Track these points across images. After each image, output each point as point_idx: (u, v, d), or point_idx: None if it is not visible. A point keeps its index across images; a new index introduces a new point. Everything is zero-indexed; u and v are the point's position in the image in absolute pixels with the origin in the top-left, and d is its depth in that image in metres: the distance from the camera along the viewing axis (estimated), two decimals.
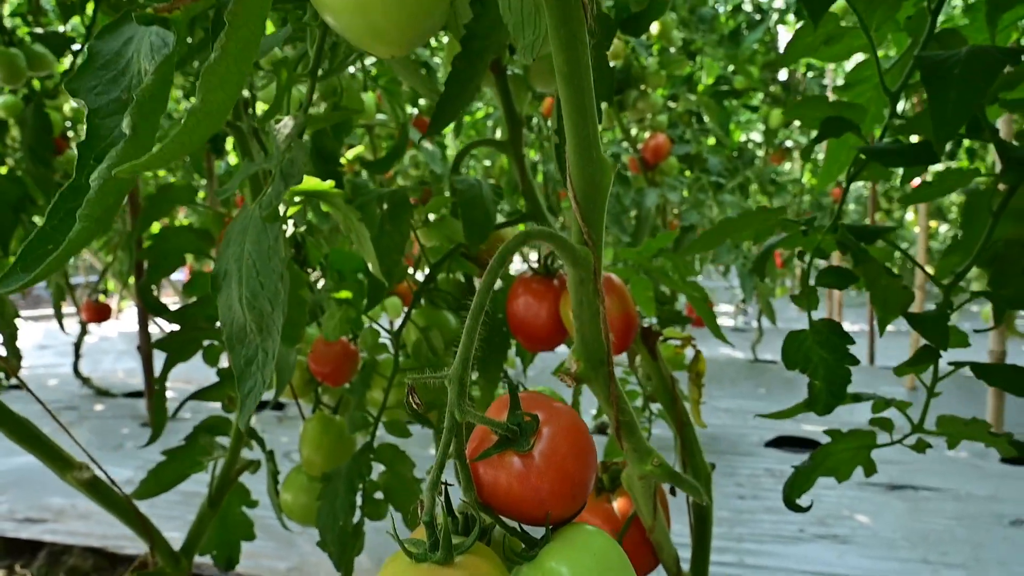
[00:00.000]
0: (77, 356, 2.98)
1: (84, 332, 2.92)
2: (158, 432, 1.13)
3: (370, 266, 0.68)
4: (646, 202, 1.84)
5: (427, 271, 0.88)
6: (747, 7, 3.31)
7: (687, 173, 2.22)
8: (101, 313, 2.73)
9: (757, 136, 4.33)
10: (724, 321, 6.23)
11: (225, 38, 0.30)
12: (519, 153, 0.83)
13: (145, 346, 2.72)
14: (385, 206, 0.74)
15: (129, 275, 3.33)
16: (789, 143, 3.99)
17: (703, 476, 0.77)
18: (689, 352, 0.99)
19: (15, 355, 1.18)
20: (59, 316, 1.46)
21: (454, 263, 0.91)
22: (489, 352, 0.91)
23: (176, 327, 1.06)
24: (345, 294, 0.83)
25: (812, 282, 0.68)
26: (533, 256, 0.79)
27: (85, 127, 0.37)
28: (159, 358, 2.80)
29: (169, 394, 3.27)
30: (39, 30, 1.20)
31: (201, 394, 1.09)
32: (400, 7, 0.30)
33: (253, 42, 0.31)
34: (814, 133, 0.69)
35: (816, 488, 0.78)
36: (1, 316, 1.12)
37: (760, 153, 3.84)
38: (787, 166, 4.17)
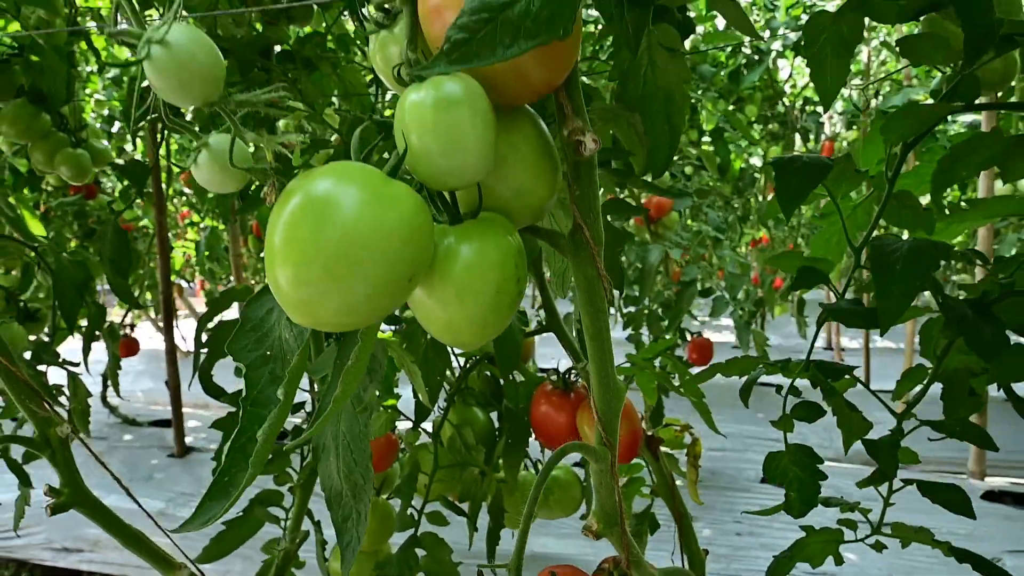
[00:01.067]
0: (105, 387, 3.12)
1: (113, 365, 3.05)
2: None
3: (420, 396, 0.82)
4: (650, 258, 1.98)
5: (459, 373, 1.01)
6: (746, 49, 3.45)
7: (689, 222, 2.36)
8: (130, 348, 2.87)
9: (757, 160, 4.47)
10: (725, 337, 6.36)
11: (357, 353, 0.44)
12: (539, 271, 0.97)
13: (173, 379, 2.87)
14: (429, 336, 0.88)
15: (159, 314, 3.47)
16: None
17: (697, 561, 0.91)
18: (687, 437, 1.13)
19: (84, 424, 1.32)
20: (86, 354, 1.57)
21: (483, 365, 1.04)
22: (513, 441, 1.05)
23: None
24: (391, 402, 0.96)
25: (788, 411, 0.81)
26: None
27: (244, 379, 0.51)
28: (187, 379, 2.93)
29: (190, 423, 3.42)
30: (120, 161, 1.34)
31: None
32: (481, 328, 0.44)
33: (372, 348, 0.45)
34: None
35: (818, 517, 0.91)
36: (75, 395, 1.25)
37: (760, 177, 3.98)
38: None
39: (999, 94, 1.10)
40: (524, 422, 1.06)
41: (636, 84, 0.77)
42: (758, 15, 3.78)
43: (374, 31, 0.45)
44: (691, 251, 2.09)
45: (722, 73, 3.34)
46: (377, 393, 1.04)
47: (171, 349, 2.84)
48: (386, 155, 0.55)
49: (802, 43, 0.79)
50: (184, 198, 4.17)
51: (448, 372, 1.02)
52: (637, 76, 0.76)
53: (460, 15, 0.34)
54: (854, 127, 4.02)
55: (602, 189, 0.73)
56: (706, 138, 3.21)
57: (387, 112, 1.29)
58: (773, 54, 3.54)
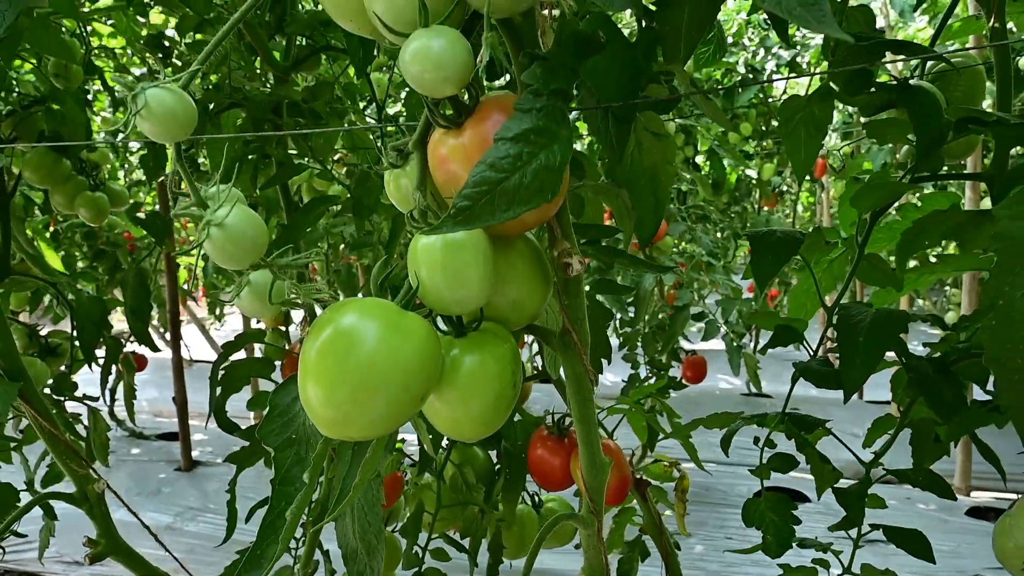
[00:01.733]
0: (113, 400, 3.18)
1: (119, 380, 3.11)
2: (230, 534, 1.31)
3: (425, 445, 0.88)
4: (644, 283, 2.04)
5: None
6: (741, 68, 3.52)
7: (683, 246, 2.42)
8: (139, 363, 2.93)
9: (752, 172, 4.54)
10: (719, 345, 6.42)
11: (363, 468, 0.50)
12: None
13: (180, 395, 2.94)
14: None
15: (165, 329, 3.54)
16: (783, 186, 4.20)
17: None
18: (676, 472, 1.20)
19: (104, 456, 1.39)
20: (104, 387, 1.64)
21: None
22: (511, 479, 1.11)
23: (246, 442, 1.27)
24: (399, 445, 1.03)
25: (764, 462, 0.88)
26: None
27: (273, 461, 0.57)
28: (193, 390, 2.97)
29: (196, 436, 3.48)
30: (140, 215, 1.41)
31: (267, 502, 1.29)
32: (483, 427, 0.50)
33: (377, 462, 0.52)
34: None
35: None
36: (95, 428, 1.32)
37: (755, 191, 4.05)
38: (779, 212, 4.37)
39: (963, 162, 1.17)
40: (522, 460, 1.12)
41: (624, 163, 0.83)
42: (753, 32, 3.85)
43: (389, 168, 0.51)
44: (684, 275, 2.16)
45: (720, 93, 3.41)
46: None
47: (178, 366, 2.90)
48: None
49: (779, 123, 0.85)
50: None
51: None
52: (625, 156, 0.83)
53: (465, 186, 0.41)
54: (847, 141, 4.09)
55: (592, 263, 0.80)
56: (700, 157, 3.29)
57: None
58: (768, 72, 3.61)
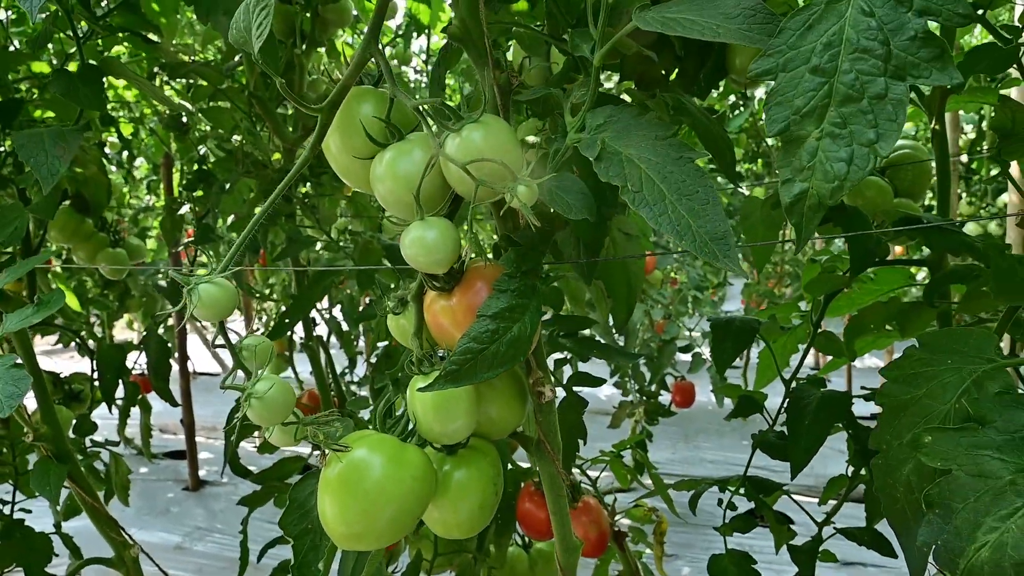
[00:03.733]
0: (123, 421, 3.28)
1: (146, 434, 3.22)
2: (242, 573, 1.41)
3: None
4: (632, 317, 2.14)
5: None
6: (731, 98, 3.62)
7: (672, 275, 2.53)
8: (147, 385, 3.03)
9: (744, 190, 4.64)
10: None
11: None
12: None
13: (187, 416, 3.04)
14: None
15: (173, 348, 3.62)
16: None
17: None
18: (654, 516, 1.30)
19: (125, 497, 1.49)
20: (122, 430, 1.75)
21: None
22: (502, 524, 1.22)
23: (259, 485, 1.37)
24: None
25: (726, 520, 0.98)
26: None
27: (292, 549, 0.67)
28: (197, 403, 3.06)
29: (203, 455, 3.57)
30: (161, 283, 1.51)
31: (279, 541, 1.39)
32: (468, 528, 0.61)
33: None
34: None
35: (780, 564, 1.07)
36: (116, 471, 1.42)
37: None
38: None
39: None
40: (512, 509, 1.23)
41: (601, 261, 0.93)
42: None
43: (389, 313, 0.62)
44: (672, 308, 2.26)
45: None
46: None
47: (186, 387, 3.00)
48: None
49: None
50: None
51: None
52: (601, 252, 0.93)
53: (453, 353, 0.51)
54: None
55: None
56: None
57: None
58: (757, 98, 3.71)
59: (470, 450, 0.61)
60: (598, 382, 0.87)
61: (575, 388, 0.84)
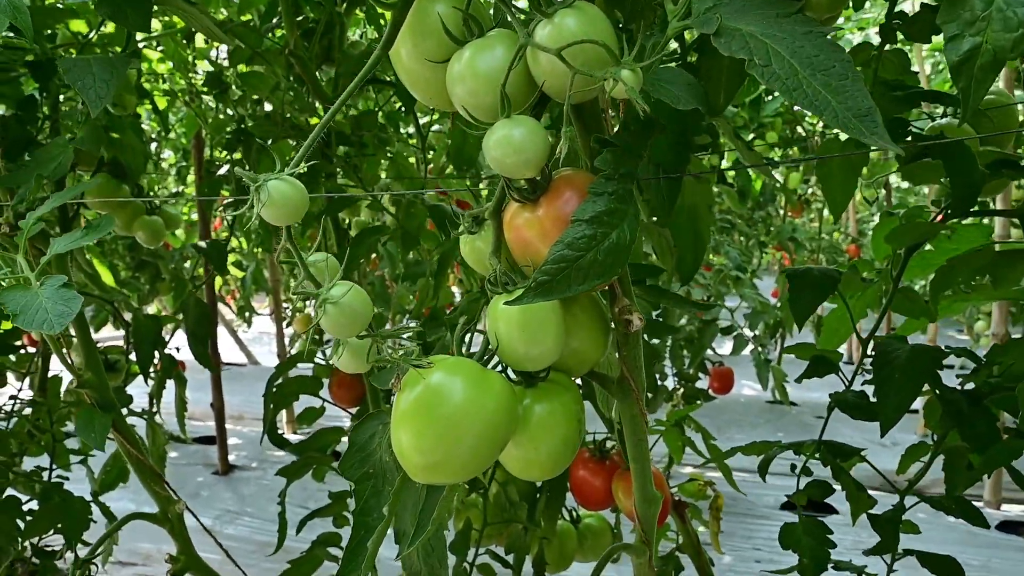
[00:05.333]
0: (151, 405, 3.28)
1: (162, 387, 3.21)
2: (280, 544, 1.37)
3: None
4: None
5: None
6: None
7: (711, 258, 2.45)
8: (177, 366, 3.02)
9: (778, 175, 4.54)
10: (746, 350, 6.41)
11: (434, 523, 0.55)
12: None
13: (217, 400, 3.02)
14: None
15: None
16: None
17: None
18: (709, 492, 1.24)
19: (162, 467, 1.46)
20: (157, 400, 1.73)
21: None
22: (552, 496, 1.16)
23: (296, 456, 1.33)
24: None
25: (802, 487, 0.92)
26: None
27: (354, 493, 0.62)
28: (228, 395, 3.05)
29: (232, 440, 3.55)
30: (202, 243, 1.48)
31: (318, 512, 1.35)
32: (551, 468, 0.55)
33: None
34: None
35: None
36: (154, 443, 1.39)
37: (779, 197, 4.05)
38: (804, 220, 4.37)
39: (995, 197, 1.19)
40: (562, 479, 1.17)
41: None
42: None
43: (465, 234, 0.56)
44: (712, 288, 2.19)
45: (746, 101, 3.42)
46: None
47: (216, 372, 2.99)
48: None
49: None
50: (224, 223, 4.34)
51: None
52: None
53: (544, 262, 0.46)
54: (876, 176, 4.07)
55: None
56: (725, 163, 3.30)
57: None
58: None
59: (551, 383, 0.56)
60: (670, 330, 0.81)
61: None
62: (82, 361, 0.76)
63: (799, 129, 3.94)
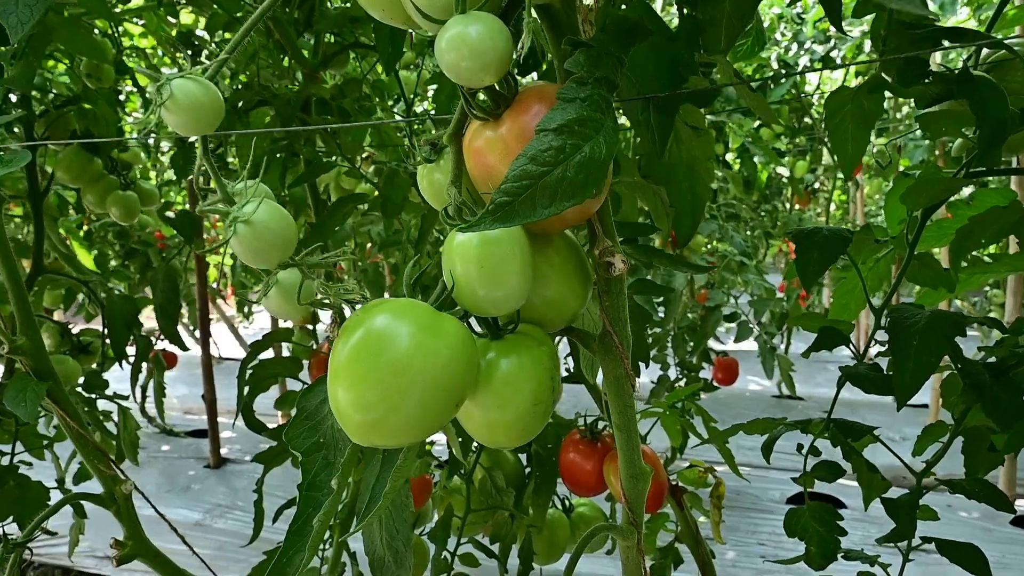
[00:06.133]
0: (144, 397, 3.22)
1: (150, 378, 3.16)
2: (256, 534, 1.30)
3: (454, 449, 0.86)
4: (674, 283, 2.00)
5: None
6: (773, 64, 3.45)
7: (715, 244, 2.38)
8: (168, 361, 2.96)
9: (784, 170, 4.45)
10: (750, 346, 6.31)
11: (392, 478, 0.48)
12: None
13: (209, 393, 2.96)
14: None
15: (195, 327, 3.59)
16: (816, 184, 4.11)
17: None
18: (711, 479, 1.16)
19: (134, 454, 1.39)
20: (135, 384, 1.64)
21: None
22: (541, 483, 1.09)
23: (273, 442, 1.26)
24: (428, 447, 1.01)
25: (808, 470, 0.84)
26: None
27: (300, 465, 0.55)
28: (221, 386, 3.00)
29: (225, 434, 3.48)
30: (170, 214, 1.41)
31: (294, 502, 1.27)
32: (519, 434, 0.48)
33: (408, 475, 0.49)
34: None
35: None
36: (125, 428, 1.32)
37: (786, 189, 3.96)
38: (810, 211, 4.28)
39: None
40: (552, 464, 1.10)
41: (661, 159, 0.80)
42: (785, 28, 3.77)
43: (422, 163, 0.49)
44: (716, 275, 2.11)
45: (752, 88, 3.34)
46: None
47: (207, 364, 2.93)
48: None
49: (823, 116, 0.82)
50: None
51: None
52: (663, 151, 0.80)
53: (504, 180, 0.39)
54: (883, 136, 3.98)
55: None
56: (731, 155, 3.22)
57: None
58: (800, 67, 3.53)
59: (521, 336, 0.49)
60: (663, 290, 0.74)
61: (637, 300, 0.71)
62: (19, 326, 0.70)
63: (807, 119, 3.86)
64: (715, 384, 2.32)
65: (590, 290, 0.52)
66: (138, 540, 0.76)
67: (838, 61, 3.50)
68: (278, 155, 1.20)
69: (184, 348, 1.44)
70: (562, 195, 0.39)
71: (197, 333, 3.30)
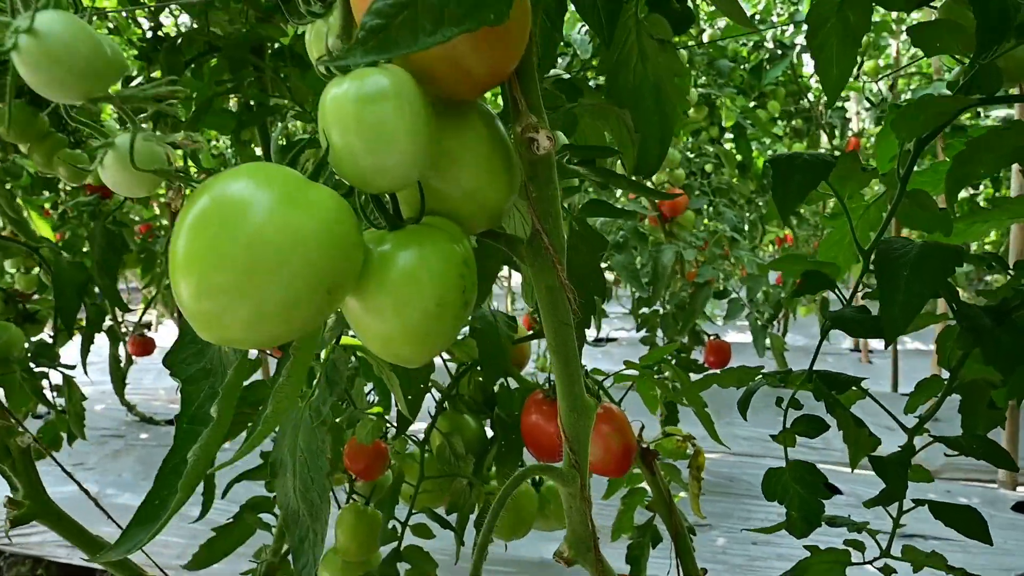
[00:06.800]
0: (123, 384, 3.15)
1: (130, 363, 3.08)
2: (206, 510, 1.23)
3: (399, 405, 0.78)
4: (662, 259, 1.92)
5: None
6: (768, 44, 3.36)
7: (706, 222, 2.30)
8: (146, 347, 2.89)
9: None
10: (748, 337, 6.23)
11: (289, 368, 0.40)
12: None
13: None
14: None
15: (174, 309, 3.51)
16: None
17: None
18: (690, 448, 1.08)
19: (79, 427, 1.31)
20: (85, 355, 1.56)
21: (475, 371, 1.01)
22: (506, 451, 1.01)
23: None
24: (377, 409, 0.93)
25: (788, 425, 0.76)
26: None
27: (181, 394, 0.47)
28: None
29: None
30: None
31: (247, 475, 1.20)
32: (422, 344, 0.40)
33: (307, 363, 0.42)
34: None
35: (828, 536, 0.84)
36: (69, 398, 1.24)
37: None
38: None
39: None
40: (518, 431, 1.02)
41: (625, 77, 0.72)
42: (781, 8, 3.69)
43: (309, 21, 0.41)
44: (707, 251, 2.03)
45: (744, 68, 3.26)
46: (374, 399, 1.01)
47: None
48: None
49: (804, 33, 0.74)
50: None
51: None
52: (626, 69, 0.72)
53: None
54: (882, 123, 3.89)
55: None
56: (728, 135, 3.14)
57: None
58: (797, 48, 3.45)
59: (428, 228, 0.41)
60: (621, 213, 0.66)
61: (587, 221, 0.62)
62: None
63: (804, 101, 3.78)
64: (707, 367, 2.24)
65: (515, 181, 0.44)
66: (37, 500, 0.68)
67: None
68: (231, 104, 1.12)
69: (125, 309, 1.36)
70: (450, 18, 0.31)
71: (177, 317, 3.23)
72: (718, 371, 0.81)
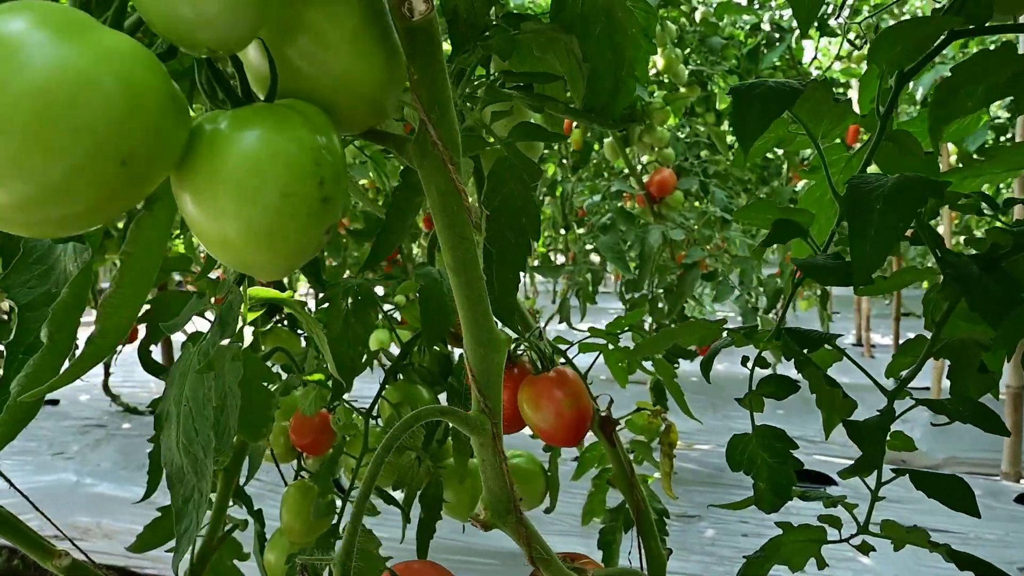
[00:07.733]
0: (107, 374, 3.10)
1: (115, 353, 3.03)
2: (152, 488, 1.17)
3: (330, 367, 0.72)
4: (649, 239, 1.85)
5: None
6: (765, 26, 3.28)
7: (696, 204, 2.22)
8: (129, 335, 2.83)
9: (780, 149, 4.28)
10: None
11: (119, 275, 0.34)
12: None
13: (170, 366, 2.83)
14: (350, 300, 0.78)
15: None
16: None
17: (657, 562, 0.79)
18: (662, 424, 1.01)
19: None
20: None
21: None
22: None
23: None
24: (318, 376, 0.87)
25: (754, 387, 0.69)
26: None
27: (18, 320, 0.41)
28: None
29: None
30: None
31: None
32: (267, 245, 0.33)
33: (149, 273, 0.35)
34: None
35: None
36: None
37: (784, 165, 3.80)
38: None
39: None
40: None
41: (573, 2, 0.65)
42: None
43: None
44: (696, 232, 1.96)
45: (743, 52, 3.17)
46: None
47: (167, 341, 2.79)
48: None
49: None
50: None
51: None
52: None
53: None
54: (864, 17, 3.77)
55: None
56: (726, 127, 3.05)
57: None
58: (795, 33, 3.37)
59: (278, 107, 0.34)
60: (550, 136, 0.59)
61: (514, 144, 0.55)
62: None
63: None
64: (697, 352, 2.17)
65: (397, 68, 0.37)
66: None
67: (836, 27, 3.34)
68: None
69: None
70: None
71: None
72: (677, 328, 0.73)
